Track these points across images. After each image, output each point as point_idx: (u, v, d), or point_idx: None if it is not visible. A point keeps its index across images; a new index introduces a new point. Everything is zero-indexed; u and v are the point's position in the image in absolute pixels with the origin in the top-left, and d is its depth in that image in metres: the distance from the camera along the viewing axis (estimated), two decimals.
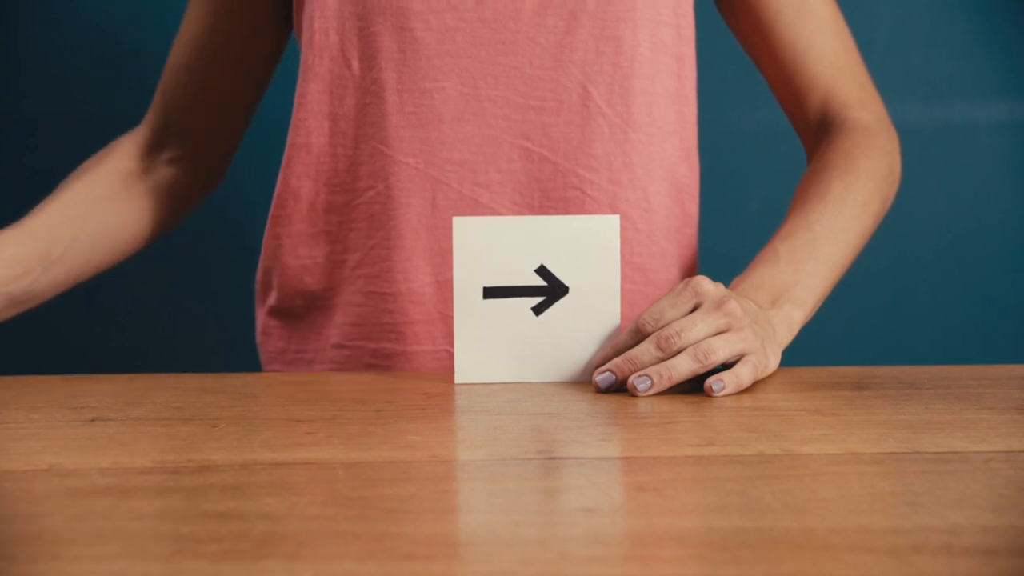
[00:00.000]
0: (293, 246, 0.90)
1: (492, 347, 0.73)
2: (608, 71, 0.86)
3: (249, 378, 0.77)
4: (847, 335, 1.29)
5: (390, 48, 0.85)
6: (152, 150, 0.98)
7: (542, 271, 0.72)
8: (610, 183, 0.86)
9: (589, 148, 0.86)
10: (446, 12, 0.84)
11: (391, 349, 0.87)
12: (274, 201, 0.91)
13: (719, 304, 0.70)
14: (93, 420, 0.62)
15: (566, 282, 0.73)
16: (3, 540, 0.41)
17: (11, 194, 1.28)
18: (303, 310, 0.92)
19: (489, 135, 0.85)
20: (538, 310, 0.73)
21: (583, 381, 0.73)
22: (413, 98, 0.85)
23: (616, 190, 0.87)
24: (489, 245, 0.72)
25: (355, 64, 0.86)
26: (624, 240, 0.87)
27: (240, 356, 1.19)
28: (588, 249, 0.72)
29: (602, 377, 0.69)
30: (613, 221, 0.73)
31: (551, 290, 0.73)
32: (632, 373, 0.68)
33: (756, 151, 1.29)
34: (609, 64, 0.86)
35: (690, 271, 0.93)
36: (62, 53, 1.26)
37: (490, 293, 0.72)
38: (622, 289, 0.87)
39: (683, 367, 0.68)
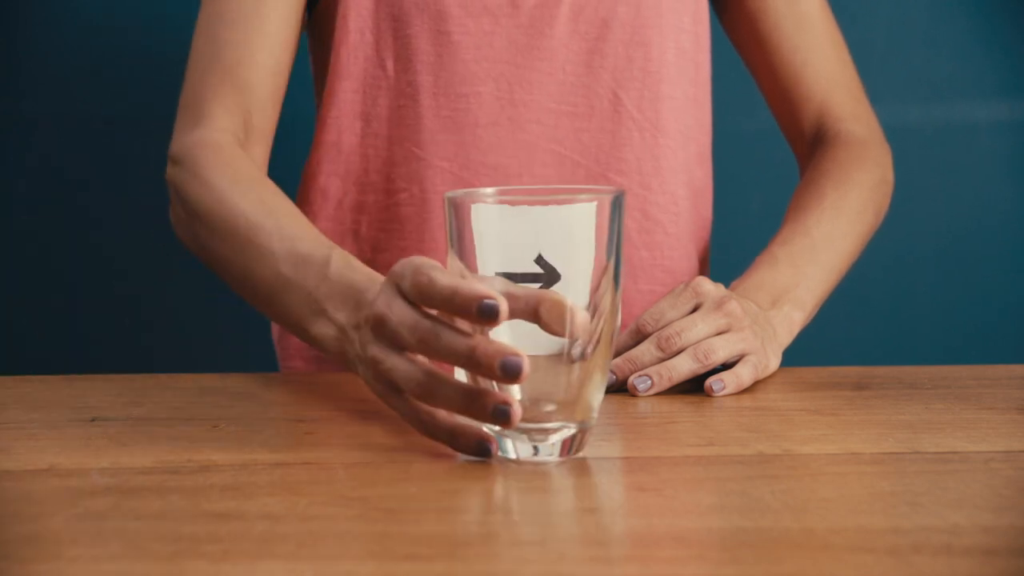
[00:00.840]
0: None
1: None
2: (638, 77, 0.87)
3: (249, 378, 0.76)
4: (847, 335, 1.29)
5: (427, 51, 0.85)
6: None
7: (540, 261, 0.72)
8: (640, 187, 0.87)
9: (620, 153, 0.87)
10: (483, 17, 0.84)
11: None
12: (298, 197, 0.90)
13: (719, 304, 0.70)
14: (93, 420, 0.62)
15: (561, 272, 0.72)
16: (3, 540, 0.42)
17: (11, 194, 1.28)
18: None
19: (523, 140, 0.85)
20: None
21: None
22: (449, 102, 0.85)
23: (646, 194, 0.87)
24: (496, 233, 0.72)
25: (390, 65, 0.86)
26: (655, 244, 0.88)
27: (253, 354, 1.19)
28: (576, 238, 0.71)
29: None
30: (590, 209, 0.72)
31: (547, 279, 0.72)
32: (632, 373, 0.68)
33: (755, 154, 1.29)
34: (639, 70, 0.87)
35: (702, 274, 0.94)
36: (62, 53, 1.26)
37: None
38: (652, 292, 0.87)
39: (683, 367, 0.68)
